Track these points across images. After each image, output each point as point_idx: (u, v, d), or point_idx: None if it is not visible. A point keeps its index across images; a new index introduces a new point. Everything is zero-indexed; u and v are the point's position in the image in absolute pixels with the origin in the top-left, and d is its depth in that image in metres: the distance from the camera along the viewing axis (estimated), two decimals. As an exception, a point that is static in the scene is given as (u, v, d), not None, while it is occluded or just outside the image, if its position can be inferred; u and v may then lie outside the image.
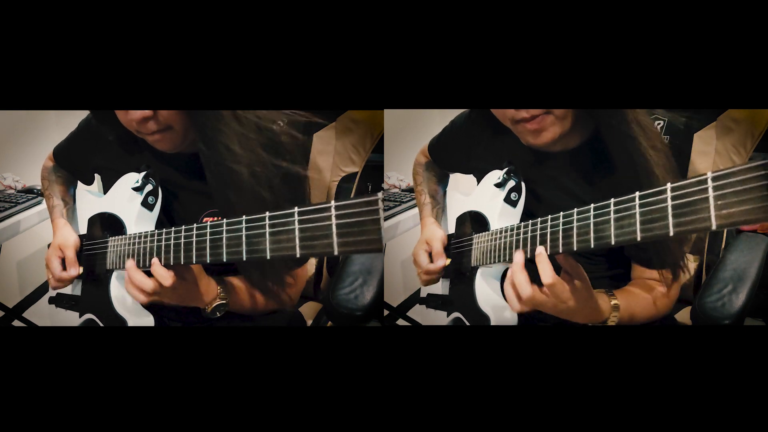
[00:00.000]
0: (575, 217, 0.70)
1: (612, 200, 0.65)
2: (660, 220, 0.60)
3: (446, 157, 1.10)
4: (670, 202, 0.58)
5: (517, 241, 0.82)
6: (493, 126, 0.95)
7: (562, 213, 0.72)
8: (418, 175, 1.13)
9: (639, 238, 0.62)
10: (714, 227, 0.55)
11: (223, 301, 0.88)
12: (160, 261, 0.81)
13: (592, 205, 0.68)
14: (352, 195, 1.08)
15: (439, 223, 1.05)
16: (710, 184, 0.55)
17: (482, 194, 0.95)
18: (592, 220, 0.68)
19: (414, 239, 1.08)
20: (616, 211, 0.65)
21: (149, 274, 0.81)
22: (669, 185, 0.59)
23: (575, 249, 0.70)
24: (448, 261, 0.99)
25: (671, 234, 0.58)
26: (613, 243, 0.65)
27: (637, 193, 0.62)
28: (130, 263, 0.83)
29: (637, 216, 0.62)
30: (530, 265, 0.88)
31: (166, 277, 0.79)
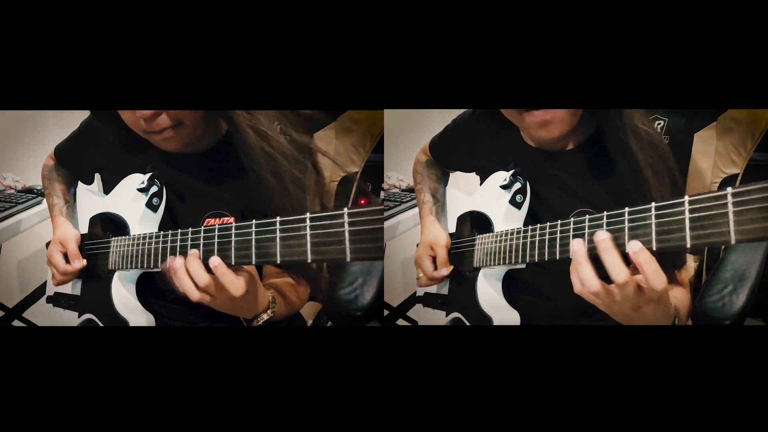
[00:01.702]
0: (587, 224, 0.70)
1: (626, 209, 0.65)
2: (677, 232, 0.59)
3: (447, 156, 1.10)
4: (687, 215, 0.58)
5: (524, 244, 0.82)
6: (496, 125, 0.95)
7: (572, 219, 0.72)
8: (418, 173, 1.13)
9: (655, 249, 0.62)
10: (733, 241, 0.54)
11: (272, 315, 0.84)
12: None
13: (606, 213, 0.67)
14: (351, 195, 1.08)
15: (440, 223, 1.05)
16: (730, 199, 0.55)
17: (486, 195, 0.95)
18: (605, 227, 0.67)
19: (414, 239, 1.08)
20: (630, 220, 0.64)
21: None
22: (687, 198, 0.59)
23: (589, 256, 0.69)
24: (451, 269, 0.99)
25: (688, 246, 0.58)
26: (626, 251, 0.65)
27: (653, 204, 0.62)
28: (194, 251, 0.74)
29: (653, 226, 0.62)
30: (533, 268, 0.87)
31: (238, 286, 0.72)
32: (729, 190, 0.55)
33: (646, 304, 0.67)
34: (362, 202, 1.03)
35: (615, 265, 0.65)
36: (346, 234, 0.62)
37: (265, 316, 0.83)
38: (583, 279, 0.68)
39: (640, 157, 0.79)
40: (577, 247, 0.69)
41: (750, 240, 0.54)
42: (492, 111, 0.92)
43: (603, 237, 0.66)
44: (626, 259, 0.66)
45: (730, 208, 0.55)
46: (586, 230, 0.70)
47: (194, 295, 0.73)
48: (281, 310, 0.88)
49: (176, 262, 0.74)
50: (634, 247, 0.64)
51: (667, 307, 0.72)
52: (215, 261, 0.72)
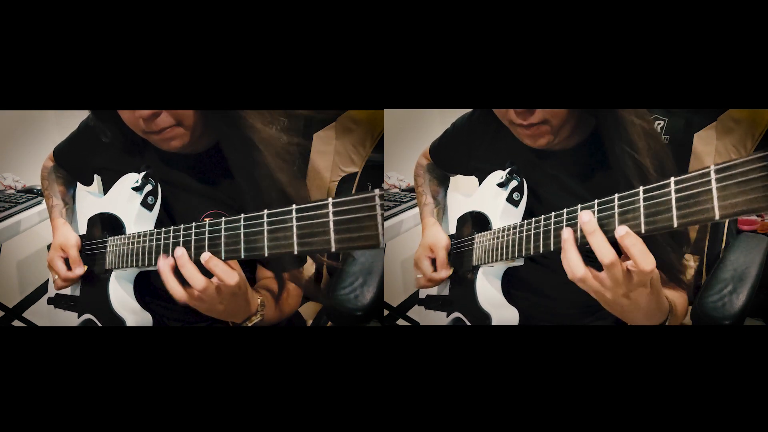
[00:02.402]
0: (579, 212, 0.71)
1: (616, 195, 0.66)
2: (664, 213, 0.61)
3: (447, 159, 1.10)
4: (673, 195, 0.60)
5: (521, 238, 0.82)
6: (494, 126, 0.95)
7: (566, 209, 0.73)
8: (419, 177, 1.13)
9: (643, 231, 0.63)
10: (717, 217, 0.56)
11: (261, 318, 0.84)
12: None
13: (596, 201, 0.69)
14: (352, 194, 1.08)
15: (440, 225, 1.05)
16: (713, 176, 0.56)
17: (484, 194, 0.95)
18: (596, 215, 0.68)
19: (414, 239, 1.08)
20: (620, 206, 0.66)
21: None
22: (672, 179, 0.60)
23: (578, 244, 0.71)
24: (452, 271, 0.99)
25: (675, 225, 0.60)
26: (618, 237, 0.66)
27: (641, 188, 0.63)
28: (181, 251, 0.74)
29: (641, 209, 0.63)
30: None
31: (231, 275, 0.73)
32: (711, 167, 0.57)
33: (636, 289, 0.68)
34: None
35: (601, 246, 0.67)
36: (331, 224, 0.62)
37: (255, 319, 0.83)
38: (570, 264, 0.70)
39: (642, 154, 0.80)
40: (566, 235, 0.70)
41: (733, 215, 0.56)
42: (490, 112, 0.93)
43: (587, 219, 0.68)
44: (616, 246, 0.67)
45: (714, 185, 0.56)
46: (579, 219, 0.71)
47: (181, 296, 0.75)
48: (271, 314, 0.88)
49: (160, 263, 0.76)
50: (620, 231, 0.65)
51: (659, 296, 0.73)
52: (206, 256, 0.73)
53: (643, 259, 0.65)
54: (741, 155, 0.97)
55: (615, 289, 0.69)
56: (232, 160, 0.85)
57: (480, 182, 1.01)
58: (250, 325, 0.83)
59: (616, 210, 0.66)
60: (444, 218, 1.07)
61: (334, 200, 0.63)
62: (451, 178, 1.13)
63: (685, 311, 0.87)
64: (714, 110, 0.96)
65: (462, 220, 1.00)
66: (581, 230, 0.69)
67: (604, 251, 0.67)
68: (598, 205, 0.69)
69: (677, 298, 0.84)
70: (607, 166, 0.85)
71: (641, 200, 0.63)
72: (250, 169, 0.83)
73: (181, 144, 0.87)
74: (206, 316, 0.87)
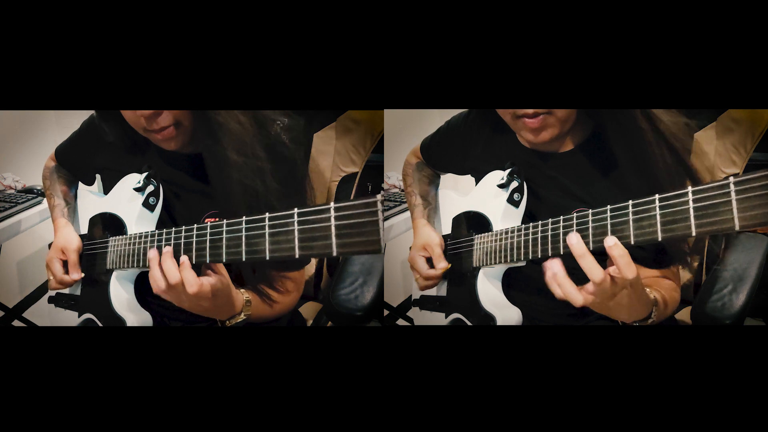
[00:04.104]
0: (590, 218, 0.71)
1: (630, 202, 0.68)
2: (681, 221, 0.62)
3: (441, 158, 1.09)
4: (691, 204, 0.61)
5: (526, 241, 0.82)
6: (492, 126, 0.95)
7: (575, 214, 0.73)
8: (408, 176, 1.13)
9: (660, 238, 0.65)
10: (738, 228, 0.58)
11: (245, 317, 0.85)
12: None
13: (609, 207, 0.70)
14: (352, 195, 1.08)
15: (432, 225, 1.04)
16: (732, 188, 0.58)
17: (483, 194, 0.95)
18: (609, 221, 0.69)
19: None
20: (634, 213, 0.67)
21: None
22: (690, 188, 0.62)
23: (591, 249, 0.72)
24: (449, 265, 0.98)
25: (693, 234, 0.61)
26: (632, 243, 0.68)
27: (657, 196, 0.65)
28: (168, 249, 0.78)
29: (658, 217, 0.64)
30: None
31: (193, 283, 0.75)
32: (731, 179, 0.58)
33: (620, 291, 0.73)
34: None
35: (591, 268, 0.71)
36: (332, 228, 0.63)
37: (239, 318, 0.84)
38: (568, 296, 0.74)
39: (655, 154, 0.80)
40: (557, 268, 0.74)
41: (753, 225, 0.57)
42: (486, 113, 0.93)
43: (575, 242, 0.72)
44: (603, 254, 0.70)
45: (733, 197, 0.58)
46: (590, 224, 0.72)
47: (160, 286, 0.78)
48: (260, 313, 0.88)
49: (150, 253, 0.79)
50: (609, 242, 0.69)
51: (640, 294, 0.76)
52: (183, 258, 0.76)
53: (627, 269, 0.70)
54: (741, 155, 0.97)
55: (602, 297, 0.73)
56: (208, 168, 0.86)
57: (476, 181, 1.00)
58: (234, 323, 0.84)
59: (631, 217, 0.67)
60: (436, 217, 1.07)
61: (336, 205, 0.63)
62: (442, 176, 1.13)
63: (676, 303, 0.88)
64: (714, 110, 0.96)
65: (458, 220, 1.00)
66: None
67: (594, 272, 0.71)
68: (611, 212, 0.70)
69: (670, 291, 0.85)
70: (608, 168, 0.85)
71: (657, 208, 0.65)
72: (223, 179, 0.84)
73: (182, 143, 0.88)
74: (207, 316, 0.88)
